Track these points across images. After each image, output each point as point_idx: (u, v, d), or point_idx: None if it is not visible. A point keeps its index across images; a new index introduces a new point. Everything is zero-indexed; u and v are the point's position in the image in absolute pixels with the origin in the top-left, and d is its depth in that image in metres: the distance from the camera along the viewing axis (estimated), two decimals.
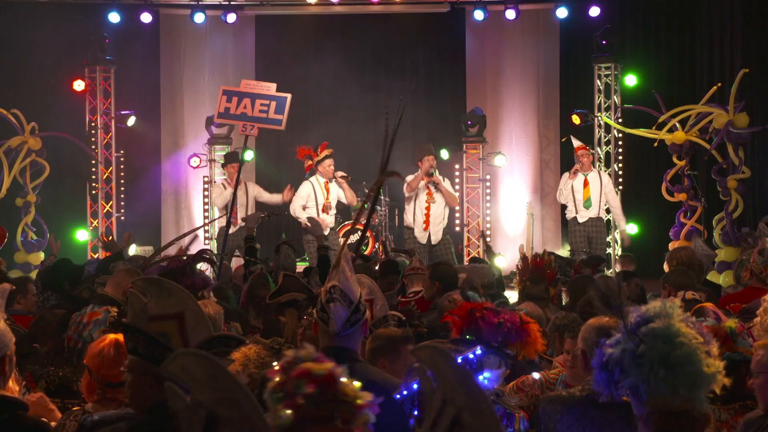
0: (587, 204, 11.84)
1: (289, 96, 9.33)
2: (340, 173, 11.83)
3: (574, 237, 11.95)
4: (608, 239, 13.37)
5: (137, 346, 2.75)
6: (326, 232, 11.08)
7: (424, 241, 11.41)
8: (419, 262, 7.56)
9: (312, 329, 3.85)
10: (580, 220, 11.87)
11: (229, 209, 9.34)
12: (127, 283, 5.70)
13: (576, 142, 12.14)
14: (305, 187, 11.72)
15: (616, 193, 13.46)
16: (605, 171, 12.92)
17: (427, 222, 11.39)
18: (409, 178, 11.47)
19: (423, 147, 11.73)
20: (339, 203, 11.90)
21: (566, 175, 12.19)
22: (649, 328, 2.41)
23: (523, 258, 6.04)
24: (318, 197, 11.63)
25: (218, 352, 2.69)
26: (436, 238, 11.41)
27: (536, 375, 4.20)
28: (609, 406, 3.11)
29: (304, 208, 11.64)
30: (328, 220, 11.56)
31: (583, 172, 11.95)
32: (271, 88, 9.61)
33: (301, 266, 10.45)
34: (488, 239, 11.41)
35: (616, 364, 2.44)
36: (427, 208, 11.53)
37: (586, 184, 11.92)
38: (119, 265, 7.51)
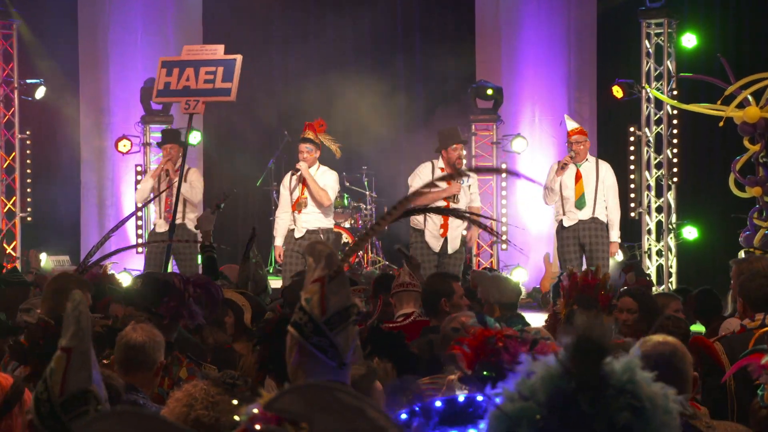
0: (580, 203, 11.17)
1: (238, 58, 9.22)
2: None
3: (561, 246, 11.34)
4: (660, 245, 13.14)
5: None
6: (299, 235, 10.79)
7: (437, 249, 11.07)
8: (409, 275, 7.33)
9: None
10: (567, 223, 11.30)
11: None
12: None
13: (571, 124, 11.49)
14: (285, 180, 11.43)
15: (669, 186, 13.28)
16: (607, 162, 11.80)
17: (445, 227, 11.03)
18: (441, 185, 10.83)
19: (449, 132, 11.18)
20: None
21: (553, 167, 11.48)
22: None
23: (570, 275, 5.78)
24: (293, 191, 11.28)
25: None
26: (453, 247, 11.08)
27: None
28: None
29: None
30: (303, 220, 11.19)
31: (577, 162, 11.21)
32: (217, 50, 9.54)
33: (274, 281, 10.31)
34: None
35: None
36: (447, 207, 11.11)
37: (578, 177, 11.22)
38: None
